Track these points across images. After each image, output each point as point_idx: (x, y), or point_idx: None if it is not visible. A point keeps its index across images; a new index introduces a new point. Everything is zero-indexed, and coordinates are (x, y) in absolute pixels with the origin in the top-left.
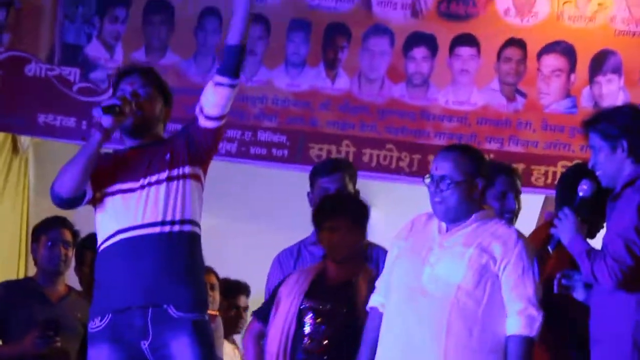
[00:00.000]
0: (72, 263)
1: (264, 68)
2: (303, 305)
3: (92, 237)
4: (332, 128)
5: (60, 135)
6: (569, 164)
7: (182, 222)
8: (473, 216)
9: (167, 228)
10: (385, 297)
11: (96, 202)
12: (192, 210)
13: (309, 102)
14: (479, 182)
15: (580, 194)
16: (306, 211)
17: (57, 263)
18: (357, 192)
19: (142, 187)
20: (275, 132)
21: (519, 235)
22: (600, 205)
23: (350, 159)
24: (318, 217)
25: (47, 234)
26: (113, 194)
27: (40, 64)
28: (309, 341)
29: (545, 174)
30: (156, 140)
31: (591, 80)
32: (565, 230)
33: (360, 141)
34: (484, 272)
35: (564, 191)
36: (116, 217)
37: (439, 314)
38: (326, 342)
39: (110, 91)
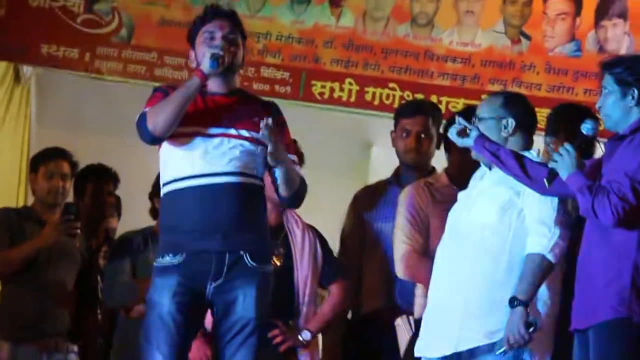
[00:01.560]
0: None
1: (268, 4)
2: None
3: (92, 168)
4: (336, 66)
5: (63, 65)
6: None
7: (255, 176)
8: None
9: (244, 179)
10: None
11: (169, 139)
12: (262, 169)
13: (313, 40)
14: (508, 122)
15: (584, 132)
16: (309, 148)
17: (55, 196)
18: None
19: (226, 135)
20: (279, 69)
21: None
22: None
23: (353, 97)
24: None
25: (45, 166)
26: (191, 135)
27: None
28: None
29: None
30: (236, 91)
31: (596, 24)
32: (565, 165)
33: (363, 80)
34: (507, 206)
35: (563, 125)
36: (194, 159)
37: (466, 252)
38: None
39: (115, 23)
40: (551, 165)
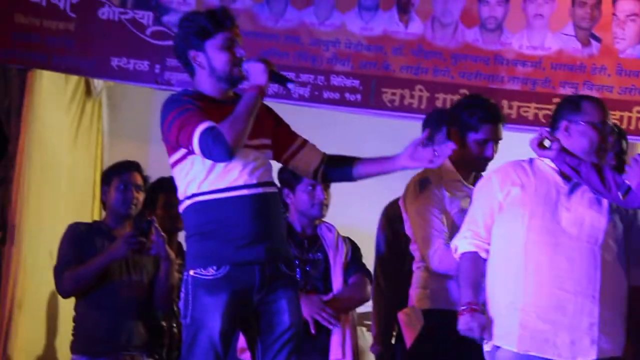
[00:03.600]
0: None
1: (336, 11)
2: None
3: (164, 180)
4: (405, 73)
5: (133, 78)
6: None
7: (274, 184)
8: None
9: (274, 189)
10: (486, 241)
11: None
12: None
13: (382, 47)
14: None
15: None
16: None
17: (129, 206)
18: None
19: (258, 147)
20: (348, 77)
21: None
22: None
23: (424, 104)
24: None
25: (119, 177)
26: None
27: (113, 8)
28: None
29: (621, 118)
30: (237, 97)
31: None
32: (635, 175)
33: (434, 86)
34: (620, 218)
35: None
36: (238, 169)
37: (592, 257)
38: (310, 287)
39: None
40: (623, 176)
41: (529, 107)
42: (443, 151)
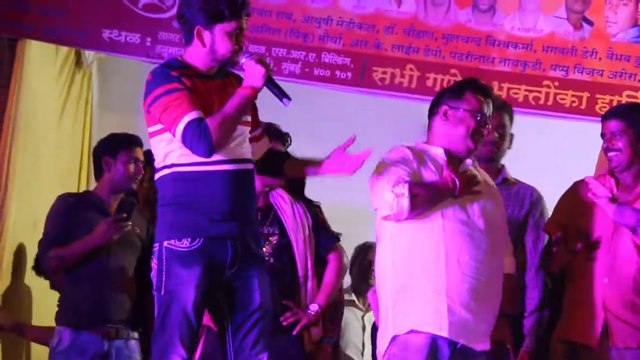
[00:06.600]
0: None
1: None
2: None
3: (151, 153)
4: (397, 52)
5: (124, 51)
6: (634, 93)
7: (252, 161)
8: None
9: (251, 165)
10: None
11: None
12: None
13: (374, 25)
14: None
15: None
16: (367, 132)
17: (134, 181)
18: None
19: (242, 122)
20: (340, 54)
21: None
22: None
23: (414, 83)
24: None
25: (128, 151)
26: None
27: None
28: None
29: (610, 102)
30: (226, 71)
31: None
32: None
33: (424, 65)
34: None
35: None
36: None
37: (496, 250)
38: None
39: (175, 9)
40: None
41: (519, 89)
42: (361, 157)
